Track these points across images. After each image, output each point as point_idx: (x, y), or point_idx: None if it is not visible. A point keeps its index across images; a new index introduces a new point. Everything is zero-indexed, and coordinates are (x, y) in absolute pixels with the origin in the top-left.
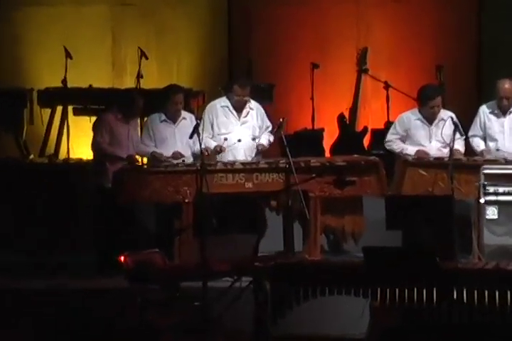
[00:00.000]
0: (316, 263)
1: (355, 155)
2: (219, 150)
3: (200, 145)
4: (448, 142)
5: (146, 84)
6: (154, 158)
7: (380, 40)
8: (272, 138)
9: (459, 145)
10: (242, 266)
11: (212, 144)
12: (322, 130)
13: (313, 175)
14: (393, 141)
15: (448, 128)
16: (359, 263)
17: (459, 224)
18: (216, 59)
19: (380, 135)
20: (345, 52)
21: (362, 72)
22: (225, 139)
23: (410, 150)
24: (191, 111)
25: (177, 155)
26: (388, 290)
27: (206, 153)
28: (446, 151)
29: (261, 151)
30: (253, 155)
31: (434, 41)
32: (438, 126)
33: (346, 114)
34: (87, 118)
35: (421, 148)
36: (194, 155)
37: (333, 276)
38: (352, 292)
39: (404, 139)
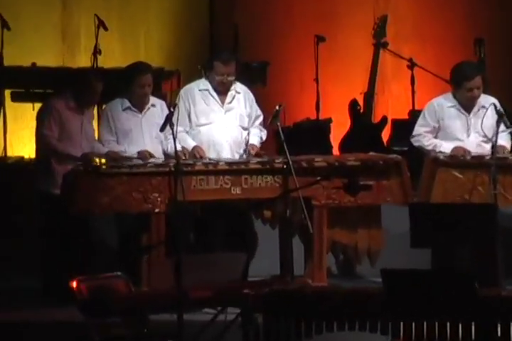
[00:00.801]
0: (322, 291)
1: (372, 153)
2: (199, 156)
3: (175, 140)
4: (490, 136)
5: (106, 62)
6: (111, 159)
7: (402, 5)
8: (264, 135)
9: (504, 141)
10: (227, 293)
11: (191, 144)
12: (329, 121)
13: (318, 178)
14: (423, 135)
15: (490, 118)
16: (376, 290)
17: (503, 241)
18: (194, 31)
19: (402, 127)
20: (358, 21)
21: (380, 47)
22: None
23: (445, 147)
24: (162, 97)
25: (145, 154)
26: (414, 324)
27: (183, 157)
28: (488, 147)
29: (251, 154)
30: (241, 151)
31: (471, 8)
32: (478, 116)
33: (360, 101)
34: (30, 105)
35: (458, 144)
36: (166, 154)
37: (342, 307)
38: (367, 327)
39: (436, 132)
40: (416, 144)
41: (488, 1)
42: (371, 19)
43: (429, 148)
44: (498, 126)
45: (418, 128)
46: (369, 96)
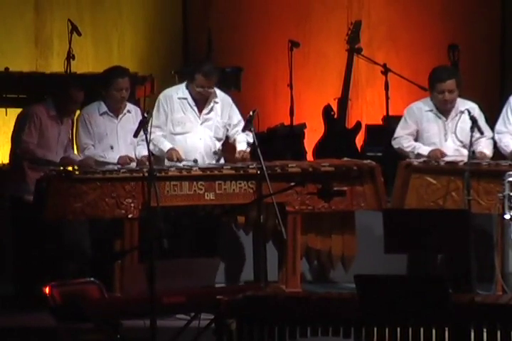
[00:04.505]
0: (295, 297)
1: (346, 159)
2: (175, 159)
3: (148, 145)
4: (467, 141)
5: (79, 67)
6: (86, 167)
7: (376, 11)
8: (250, 138)
9: (485, 147)
10: (200, 299)
11: (166, 146)
12: (303, 126)
13: (292, 184)
14: (404, 137)
15: (467, 122)
16: (350, 296)
17: (477, 246)
18: (168, 36)
19: (376, 132)
20: (332, 26)
21: (354, 52)
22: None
23: (424, 149)
24: (136, 102)
25: (125, 159)
26: (387, 330)
27: (147, 163)
28: (465, 152)
29: (243, 160)
30: (213, 162)
31: (445, 13)
32: (455, 121)
33: (334, 106)
34: (2, 110)
35: (436, 147)
36: (138, 160)
37: (316, 313)
38: (341, 332)
39: (416, 135)
40: (396, 146)
41: (462, 6)
42: (345, 25)
43: (408, 149)
44: (471, 131)
45: (399, 131)
46: (343, 101)
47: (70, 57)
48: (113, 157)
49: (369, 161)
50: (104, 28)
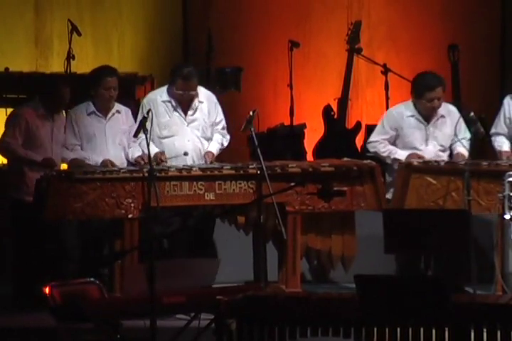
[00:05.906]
0: (295, 297)
1: (346, 159)
2: (159, 160)
3: (148, 145)
4: (448, 145)
5: (79, 67)
6: (75, 167)
7: (376, 11)
8: (226, 140)
9: (463, 148)
10: (200, 299)
11: (153, 150)
12: (303, 126)
13: (292, 184)
14: (379, 142)
15: (449, 126)
16: (350, 295)
17: (477, 246)
18: (168, 36)
19: None
20: (332, 27)
21: (354, 53)
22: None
23: (400, 154)
24: (136, 103)
25: (107, 164)
26: (387, 330)
27: (142, 162)
28: (445, 156)
29: (209, 162)
30: (203, 161)
31: (445, 13)
32: (436, 126)
33: (334, 106)
34: (3, 110)
35: (414, 151)
36: (128, 161)
37: (316, 313)
38: (341, 332)
39: (393, 140)
40: (372, 150)
41: (462, 6)
42: (345, 25)
43: (385, 154)
44: (471, 131)
45: (375, 136)
46: (343, 101)
47: (70, 57)
48: (97, 159)
49: (369, 161)
50: (104, 28)
